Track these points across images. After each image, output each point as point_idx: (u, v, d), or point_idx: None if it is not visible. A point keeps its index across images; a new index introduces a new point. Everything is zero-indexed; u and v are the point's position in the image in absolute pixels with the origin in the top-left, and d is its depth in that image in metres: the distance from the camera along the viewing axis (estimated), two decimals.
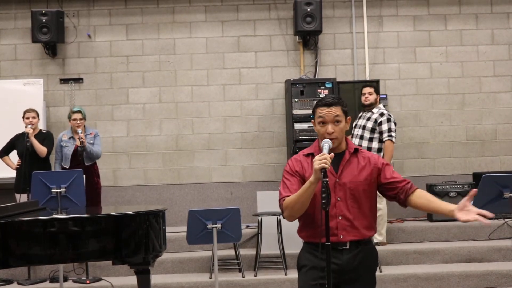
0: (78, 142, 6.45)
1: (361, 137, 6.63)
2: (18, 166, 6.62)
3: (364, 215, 2.99)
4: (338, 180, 2.96)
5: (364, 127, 6.63)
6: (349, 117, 3.06)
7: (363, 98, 6.69)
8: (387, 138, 6.49)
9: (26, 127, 6.51)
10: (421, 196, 3.00)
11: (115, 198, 7.70)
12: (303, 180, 2.97)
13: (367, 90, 6.69)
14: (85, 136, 6.60)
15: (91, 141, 6.60)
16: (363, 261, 2.98)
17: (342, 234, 2.93)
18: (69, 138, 6.63)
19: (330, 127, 2.96)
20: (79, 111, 6.62)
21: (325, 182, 2.68)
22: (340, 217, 2.94)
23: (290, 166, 3.06)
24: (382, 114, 6.58)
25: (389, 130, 6.51)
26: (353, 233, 2.95)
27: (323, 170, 2.72)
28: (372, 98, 6.65)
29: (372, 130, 6.58)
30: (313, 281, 2.94)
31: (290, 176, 3.04)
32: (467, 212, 2.77)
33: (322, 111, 2.99)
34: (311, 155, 3.04)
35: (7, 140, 6.80)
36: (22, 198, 6.39)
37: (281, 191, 3.04)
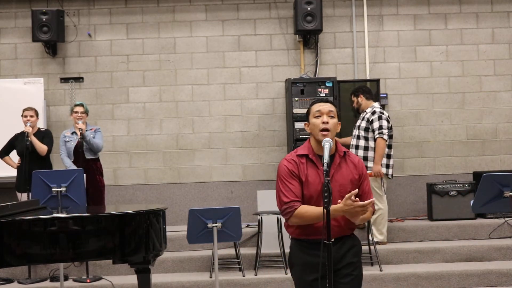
0: (77, 131, 6.48)
1: (358, 137, 6.65)
2: (19, 165, 6.64)
3: None
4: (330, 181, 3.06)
5: (359, 127, 6.66)
6: (339, 121, 3.23)
7: None
8: (378, 136, 6.49)
9: (25, 125, 6.51)
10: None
11: (115, 197, 7.70)
12: (300, 182, 3.13)
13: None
14: (86, 131, 6.63)
15: (92, 135, 6.63)
16: (350, 249, 3.18)
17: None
18: (72, 133, 6.69)
19: (325, 117, 3.15)
20: (81, 104, 6.68)
21: (326, 181, 2.82)
22: None
23: (288, 167, 3.15)
24: (373, 113, 6.61)
25: (380, 127, 6.50)
26: (339, 231, 3.13)
27: (325, 170, 2.87)
28: (354, 103, 6.86)
29: (366, 129, 6.59)
30: (308, 277, 3.11)
31: (291, 179, 3.13)
32: None
33: (319, 105, 3.20)
34: (305, 156, 3.17)
35: (7, 139, 6.81)
36: (23, 197, 6.39)
37: (286, 194, 3.11)
